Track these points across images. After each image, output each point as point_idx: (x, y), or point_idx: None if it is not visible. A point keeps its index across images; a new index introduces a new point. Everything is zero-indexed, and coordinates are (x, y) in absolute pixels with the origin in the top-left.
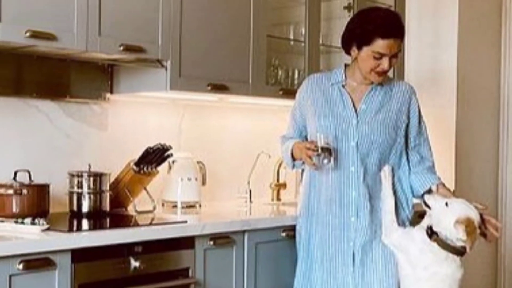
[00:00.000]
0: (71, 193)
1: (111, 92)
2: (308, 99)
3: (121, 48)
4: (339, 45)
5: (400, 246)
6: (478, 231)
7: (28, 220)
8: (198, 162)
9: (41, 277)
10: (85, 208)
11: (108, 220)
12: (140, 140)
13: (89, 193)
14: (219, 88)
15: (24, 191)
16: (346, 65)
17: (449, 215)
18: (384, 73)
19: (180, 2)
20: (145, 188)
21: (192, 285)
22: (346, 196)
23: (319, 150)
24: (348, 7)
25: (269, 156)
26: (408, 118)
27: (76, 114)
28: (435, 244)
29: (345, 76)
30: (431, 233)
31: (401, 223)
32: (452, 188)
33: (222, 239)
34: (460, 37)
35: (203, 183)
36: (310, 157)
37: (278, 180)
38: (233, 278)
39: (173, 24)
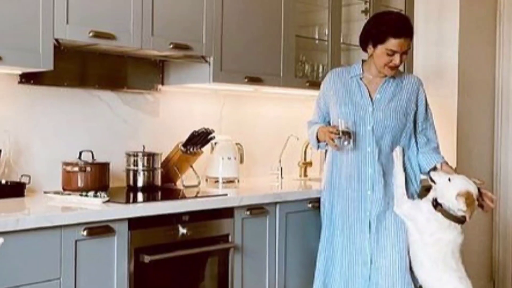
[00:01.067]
0: (128, 170)
1: (162, 83)
2: (331, 90)
3: (171, 46)
4: (357, 43)
5: (409, 216)
6: (476, 202)
7: (91, 193)
8: (236, 144)
9: (102, 242)
10: (140, 183)
11: (159, 193)
12: (187, 125)
13: (143, 170)
14: (254, 80)
15: (88, 169)
16: (363, 61)
17: (451, 189)
18: (396, 67)
19: (221, 7)
20: (191, 166)
21: (231, 249)
22: (363, 172)
23: (340, 134)
24: (365, 11)
25: (297, 139)
26: (416, 106)
27: (132, 102)
28: (439, 214)
29: (363, 70)
30: (436, 204)
31: (410, 196)
32: (454, 166)
33: (257, 210)
34: (461, 37)
35: (241, 161)
36: (332, 139)
37: (305, 159)
38: (267, 243)
39: (215, 25)
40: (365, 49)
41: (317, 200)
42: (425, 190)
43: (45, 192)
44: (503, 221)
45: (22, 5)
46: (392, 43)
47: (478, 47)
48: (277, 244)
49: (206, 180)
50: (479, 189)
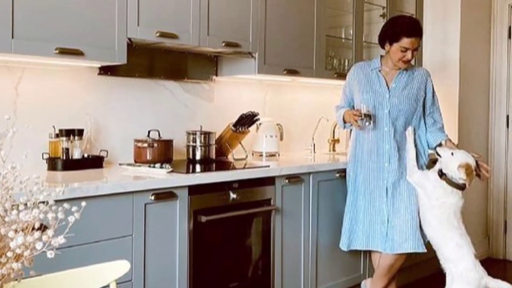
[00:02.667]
0: (188, 146)
1: (216, 75)
2: (355, 80)
3: (223, 44)
4: (377, 42)
5: (419, 183)
6: (474, 173)
7: (157, 165)
8: (277, 124)
9: (167, 205)
10: (198, 156)
11: (214, 165)
12: (236, 108)
13: (200, 146)
14: (292, 72)
15: (155, 145)
16: (381, 56)
17: (454, 162)
18: (408, 61)
19: (265, 12)
20: (240, 143)
21: (273, 211)
22: (381, 148)
23: (362, 116)
24: (383, 15)
25: (327, 120)
26: (425, 93)
27: (192, 90)
28: (444, 182)
29: (381, 64)
30: (441, 174)
31: (420, 167)
32: (456, 142)
33: (294, 178)
34: (462, 36)
35: (281, 139)
36: (356, 121)
37: (333, 137)
38: (302, 206)
39: (260, 27)
40: (383, 47)
41: (344, 170)
42: (432, 162)
43: (120, 164)
44: (496, 187)
45: (101, 10)
46: (405, 41)
47: (476, 45)
48: (310, 207)
49: (252, 154)
50: (476, 162)
